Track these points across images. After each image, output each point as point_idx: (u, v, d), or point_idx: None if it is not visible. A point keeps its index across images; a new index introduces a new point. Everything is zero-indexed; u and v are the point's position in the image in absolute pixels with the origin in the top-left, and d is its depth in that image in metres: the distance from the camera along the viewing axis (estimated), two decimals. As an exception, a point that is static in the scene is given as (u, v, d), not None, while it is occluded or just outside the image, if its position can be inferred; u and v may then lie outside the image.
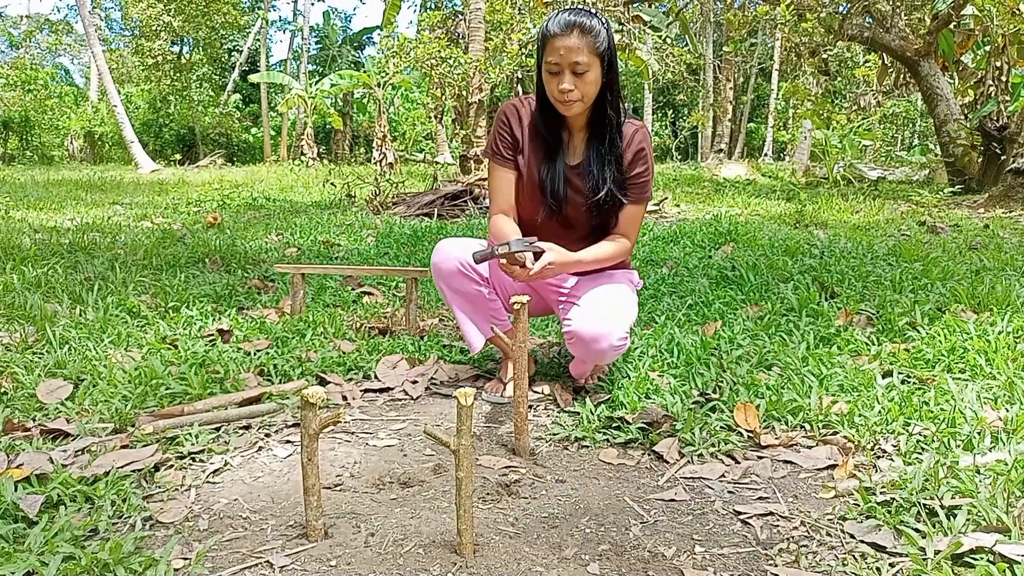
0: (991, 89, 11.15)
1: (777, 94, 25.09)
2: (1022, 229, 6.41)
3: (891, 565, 1.42)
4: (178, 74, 27.17)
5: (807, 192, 10.03)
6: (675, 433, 2.05)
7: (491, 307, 2.34)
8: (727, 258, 4.52)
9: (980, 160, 11.15)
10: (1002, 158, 10.45)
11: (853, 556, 1.47)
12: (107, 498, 1.61)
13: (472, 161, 10.67)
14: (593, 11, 2.09)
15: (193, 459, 1.91)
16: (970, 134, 11.06)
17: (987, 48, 11.64)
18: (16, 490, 1.59)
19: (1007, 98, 10.97)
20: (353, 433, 2.15)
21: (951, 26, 11.50)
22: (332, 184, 9.54)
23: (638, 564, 1.46)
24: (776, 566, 1.45)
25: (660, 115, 34.67)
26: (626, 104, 2.24)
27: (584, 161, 2.23)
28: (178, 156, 25.31)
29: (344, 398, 2.43)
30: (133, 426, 2.05)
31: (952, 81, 12.62)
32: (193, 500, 1.70)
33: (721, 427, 2.08)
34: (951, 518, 1.52)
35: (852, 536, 1.54)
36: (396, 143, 20.59)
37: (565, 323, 2.18)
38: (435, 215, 7.49)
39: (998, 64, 11.13)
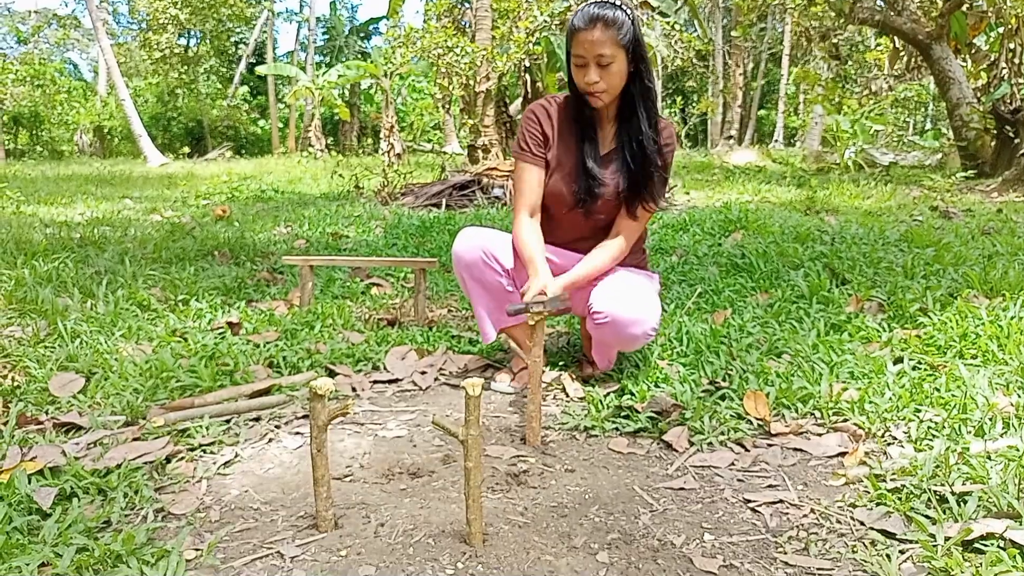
0: (1004, 72, 11.04)
1: (787, 79, 24.91)
2: (1035, 213, 6.34)
3: (901, 552, 1.42)
4: (185, 67, 27.24)
5: (818, 178, 9.97)
6: (684, 422, 2.05)
7: (509, 299, 2.33)
8: (737, 245, 4.50)
9: (993, 144, 11.04)
10: (1015, 141, 10.33)
11: (863, 543, 1.46)
12: (120, 490, 1.63)
13: (480, 151, 10.64)
14: (618, 3, 2.09)
15: (204, 451, 1.92)
16: (983, 117, 10.95)
17: (1000, 30, 11.50)
18: (30, 482, 1.61)
19: (1020, 81, 10.85)
20: (362, 424, 2.15)
21: (963, 8, 11.37)
22: (340, 175, 9.56)
23: (647, 553, 1.46)
24: (786, 553, 1.45)
25: (669, 102, 34.46)
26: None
27: (614, 149, 2.26)
28: (186, 149, 25.39)
29: (353, 389, 2.43)
30: (144, 419, 2.07)
31: (965, 64, 12.48)
32: (204, 492, 1.71)
33: (731, 415, 2.07)
34: (961, 504, 1.52)
35: (862, 523, 1.54)
36: (404, 133, 20.59)
37: (597, 303, 2.15)
38: (443, 205, 7.48)
39: (1011, 46, 11.01)
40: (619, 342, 2.23)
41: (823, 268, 3.71)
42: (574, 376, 2.45)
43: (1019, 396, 2.05)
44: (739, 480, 1.78)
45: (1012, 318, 2.64)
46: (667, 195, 2.31)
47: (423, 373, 2.54)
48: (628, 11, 2.08)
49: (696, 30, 19.77)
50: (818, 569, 1.39)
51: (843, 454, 1.88)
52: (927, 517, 1.50)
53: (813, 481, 1.77)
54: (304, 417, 2.17)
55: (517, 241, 2.23)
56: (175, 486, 1.72)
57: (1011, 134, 10.50)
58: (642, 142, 2.20)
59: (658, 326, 2.19)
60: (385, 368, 2.59)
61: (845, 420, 2.04)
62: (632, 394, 2.23)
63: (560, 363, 2.63)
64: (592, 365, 2.46)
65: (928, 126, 24.48)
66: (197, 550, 1.44)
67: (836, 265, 3.77)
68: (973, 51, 12.61)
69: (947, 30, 11.44)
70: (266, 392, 2.29)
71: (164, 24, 24.68)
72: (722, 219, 5.54)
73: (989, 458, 1.70)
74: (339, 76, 21.59)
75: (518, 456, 1.92)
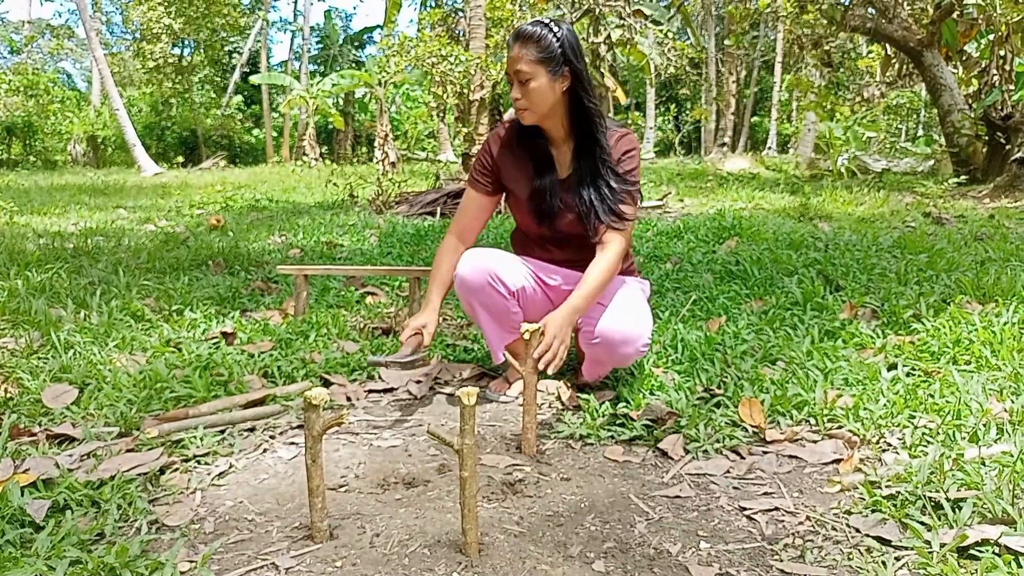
0: (995, 78, 11.10)
1: (780, 87, 25.01)
2: (1027, 219, 6.37)
3: (896, 559, 1.42)
4: (179, 76, 27.20)
5: (811, 185, 10.01)
6: (680, 429, 2.05)
7: (514, 321, 2.31)
8: (731, 253, 4.51)
9: (985, 150, 11.09)
10: (1007, 147, 10.40)
11: (859, 550, 1.47)
12: (113, 502, 1.62)
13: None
14: (556, 22, 2.09)
15: (198, 462, 1.91)
16: (974, 124, 11.00)
17: (990, 37, 11.57)
18: (23, 495, 1.60)
19: (1011, 87, 10.90)
20: (357, 434, 2.15)
21: (954, 15, 11.44)
22: (334, 184, 9.54)
23: (643, 561, 1.46)
24: (781, 561, 1.45)
25: (663, 109, 34.58)
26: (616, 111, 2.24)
27: (572, 174, 2.23)
28: (180, 159, 25.33)
29: (348, 399, 2.43)
30: (138, 430, 2.06)
31: (956, 71, 12.55)
32: (198, 503, 1.70)
33: (726, 423, 2.07)
34: (956, 511, 1.52)
35: (857, 530, 1.54)
36: (398, 142, 20.61)
37: (588, 324, 2.17)
38: (438, 214, 7.48)
39: (1002, 53, 11.07)
40: (612, 360, 2.24)
41: (817, 275, 3.72)
42: (569, 385, 2.45)
43: (1013, 402, 2.05)
44: (735, 488, 1.78)
45: (1005, 324, 2.66)
46: (637, 205, 2.28)
47: (418, 382, 2.54)
48: (559, 30, 2.07)
49: (689, 38, 19.88)
50: (814, 577, 1.39)
51: (838, 461, 1.88)
52: (922, 523, 1.50)
53: (808, 488, 1.77)
54: (299, 427, 2.17)
55: (435, 260, 2.33)
56: (169, 497, 1.71)
57: (1002, 140, 10.56)
58: (594, 162, 2.18)
59: (650, 340, 2.20)
60: (380, 377, 2.59)
61: (840, 427, 2.05)
62: (627, 402, 2.23)
63: (555, 373, 2.62)
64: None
65: (920, 133, 24.59)
66: (191, 562, 1.44)
67: (830, 272, 3.78)
68: (964, 58, 12.69)
69: (938, 37, 11.51)
70: (261, 402, 2.28)
71: (158, 34, 24.66)
72: (716, 226, 5.55)
73: (984, 464, 1.70)
74: (333, 85, 21.62)
75: (514, 465, 1.92)
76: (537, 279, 2.34)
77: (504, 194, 2.38)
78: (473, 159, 2.34)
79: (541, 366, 1.98)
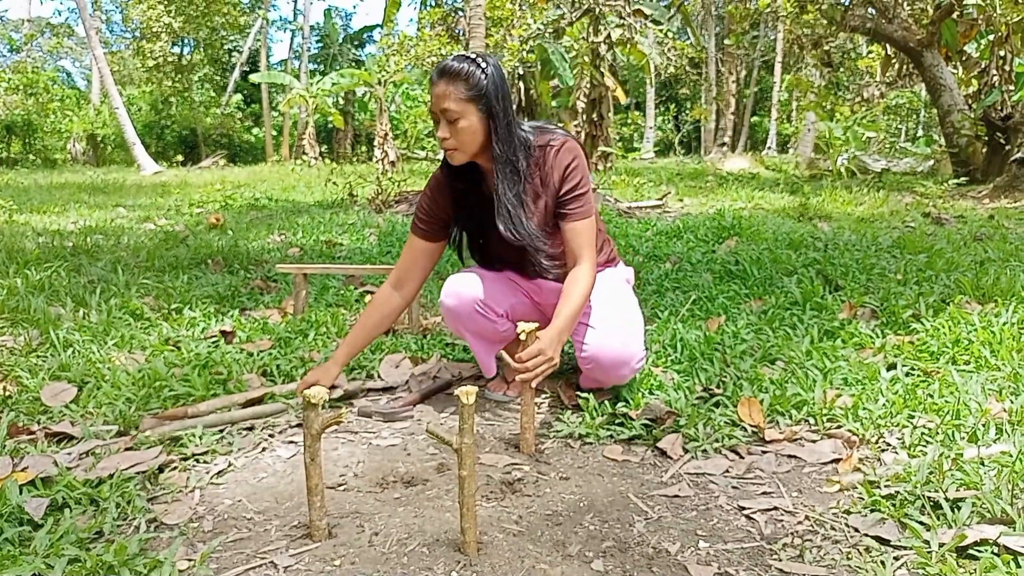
0: (995, 79, 11.10)
1: (780, 87, 25.01)
2: (1027, 219, 6.38)
3: (895, 559, 1.42)
4: (179, 75, 27.22)
5: (811, 185, 10.01)
6: (679, 429, 2.05)
7: (505, 336, 2.32)
8: (731, 252, 4.51)
9: (985, 150, 11.11)
10: (1007, 148, 10.41)
11: (857, 550, 1.47)
12: (112, 500, 1.62)
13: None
14: (476, 55, 1.98)
15: (197, 460, 1.91)
16: (974, 124, 11.01)
17: (990, 37, 11.57)
18: (21, 493, 1.60)
19: (1011, 87, 10.91)
20: (356, 433, 2.15)
21: (954, 16, 11.45)
22: (334, 183, 9.54)
23: (642, 560, 1.46)
24: (780, 561, 1.45)
25: (663, 109, 34.59)
26: (558, 119, 2.20)
27: (497, 205, 2.09)
28: (180, 157, 25.33)
29: (349, 400, 2.42)
30: (137, 428, 2.06)
31: (956, 71, 12.56)
32: (197, 501, 1.70)
33: (725, 422, 2.07)
34: (955, 510, 1.52)
35: (856, 530, 1.54)
36: (398, 141, 20.59)
37: (581, 348, 2.16)
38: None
39: (1001, 53, 11.08)
40: (609, 381, 2.23)
41: (816, 274, 3.72)
42: (568, 383, 2.45)
43: (1012, 402, 2.05)
44: (734, 487, 1.78)
45: (1004, 324, 2.66)
46: (594, 211, 2.14)
47: (418, 381, 2.54)
48: (486, 64, 1.96)
49: (689, 38, 19.88)
50: (813, 576, 1.39)
51: (837, 461, 1.88)
52: (921, 523, 1.50)
53: (807, 488, 1.77)
54: (298, 426, 2.17)
55: (363, 312, 2.26)
56: (168, 496, 1.71)
57: (1002, 140, 10.57)
58: (525, 187, 2.08)
59: (644, 352, 2.19)
60: (379, 376, 2.59)
61: (839, 427, 2.05)
62: (626, 401, 2.23)
63: (554, 372, 2.62)
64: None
65: (920, 133, 24.60)
66: (190, 560, 1.44)
67: (829, 271, 3.78)
68: (964, 58, 12.69)
69: (938, 37, 11.52)
70: (259, 401, 2.28)
71: (157, 32, 24.67)
72: (716, 226, 5.55)
73: (983, 464, 1.70)
74: (333, 84, 21.64)
75: (512, 464, 1.92)
76: (522, 292, 2.34)
77: (447, 239, 2.28)
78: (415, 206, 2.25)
79: (519, 378, 1.91)
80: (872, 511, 1.59)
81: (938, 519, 1.50)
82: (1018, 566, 1.32)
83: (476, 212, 2.19)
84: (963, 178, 10.40)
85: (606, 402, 2.23)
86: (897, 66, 14.17)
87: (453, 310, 2.23)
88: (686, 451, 1.97)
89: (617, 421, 2.13)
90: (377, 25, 33.46)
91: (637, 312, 2.26)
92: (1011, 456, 1.70)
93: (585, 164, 2.13)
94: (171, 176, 16.87)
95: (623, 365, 2.13)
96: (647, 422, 2.08)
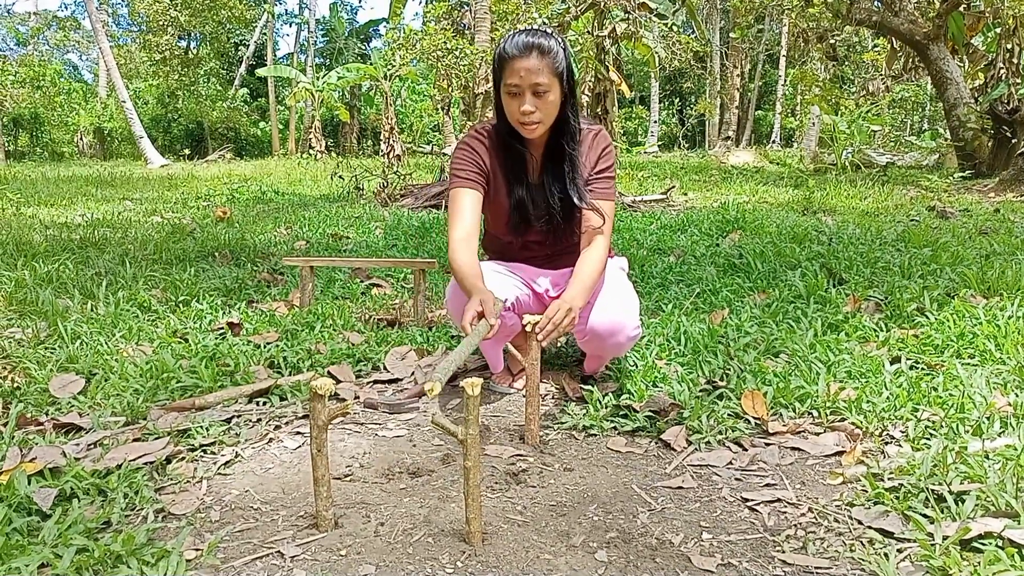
0: (1001, 72, 11.06)
1: (785, 80, 24.93)
2: (1033, 213, 6.35)
3: (899, 551, 1.42)
4: (186, 69, 27.23)
5: (815, 179, 9.98)
6: (682, 421, 2.06)
7: (511, 330, 2.32)
8: (735, 246, 4.50)
9: (991, 144, 11.06)
10: (1013, 141, 10.36)
11: (861, 542, 1.47)
12: (120, 491, 1.63)
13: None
14: (550, 31, 2.06)
15: (204, 451, 1.92)
16: (980, 118, 10.97)
17: (997, 30, 11.51)
18: (30, 483, 1.61)
19: (1018, 81, 10.86)
20: (362, 424, 2.16)
21: (961, 9, 11.39)
22: (340, 177, 9.56)
23: (646, 551, 1.47)
24: (783, 552, 1.45)
25: (667, 103, 34.49)
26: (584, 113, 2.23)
27: (542, 180, 2.20)
28: (187, 151, 25.40)
29: (355, 395, 2.44)
30: (145, 419, 2.07)
31: (962, 64, 12.51)
32: (205, 492, 1.71)
33: (728, 415, 2.08)
34: (959, 503, 1.52)
35: (860, 522, 1.54)
36: (403, 135, 20.60)
37: (578, 321, 2.16)
38: (443, 206, 7.48)
39: (1008, 47, 11.03)
40: (607, 351, 2.24)
41: (820, 268, 3.72)
42: (572, 375, 2.46)
43: (1017, 395, 2.05)
44: (737, 479, 1.79)
45: (1009, 317, 2.65)
46: (615, 199, 2.25)
47: (424, 373, 2.55)
48: (560, 40, 2.05)
49: (694, 32, 19.80)
50: (816, 568, 1.40)
51: (841, 453, 1.89)
52: (925, 516, 1.50)
53: (811, 480, 1.77)
54: (304, 417, 2.18)
55: (454, 266, 2.06)
56: (175, 486, 1.73)
57: (1008, 134, 10.52)
58: (575, 168, 2.15)
59: (640, 322, 2.20)
60: (385, 368, 2.60)
61: (843, 419, 2.05)
62: (630, 393, 2.24)
63: (558, 363, 2.63)
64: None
65: (925, 126, 24.50)
66: (197, 550, 1.45)
67: (833, 265, 3.78)
68: (970, 51, 12.64)
69: (944, 30, 11.46)
70: (266, 392, 2.29)
71: (164, 26, 24.68)
72: (720, 220, 5.54)
73: (987, 457, 1.70)
74: (339, 78, 21.63)
75: (517, 455, 1.93)
76: (527, 284, 2.34)
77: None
78: (453, 162, 2.21)
79: (540, 336, 1.91)
80: (876, 503, 1.59)
81: (942, 512, 1.50)
82: (1022, 559, 1.33)
83: (510, 183, 2.22)
84: (968, 172, 10.36)
85: (610, 394, 2.24)
86: (903, 59, 14.10)
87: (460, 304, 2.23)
88: (690, 443, 1.98)
89: (621, 413, 2.14)
90: (383, 19, 33.40)
91: (632, 292, 2.28)
92: (1016, 449, 1.70)
93: (614, 154, 2.24)
94: (178, 170, 16.90)
95: (619, 332, 2.13)
96: (651, 414, 2.08)
